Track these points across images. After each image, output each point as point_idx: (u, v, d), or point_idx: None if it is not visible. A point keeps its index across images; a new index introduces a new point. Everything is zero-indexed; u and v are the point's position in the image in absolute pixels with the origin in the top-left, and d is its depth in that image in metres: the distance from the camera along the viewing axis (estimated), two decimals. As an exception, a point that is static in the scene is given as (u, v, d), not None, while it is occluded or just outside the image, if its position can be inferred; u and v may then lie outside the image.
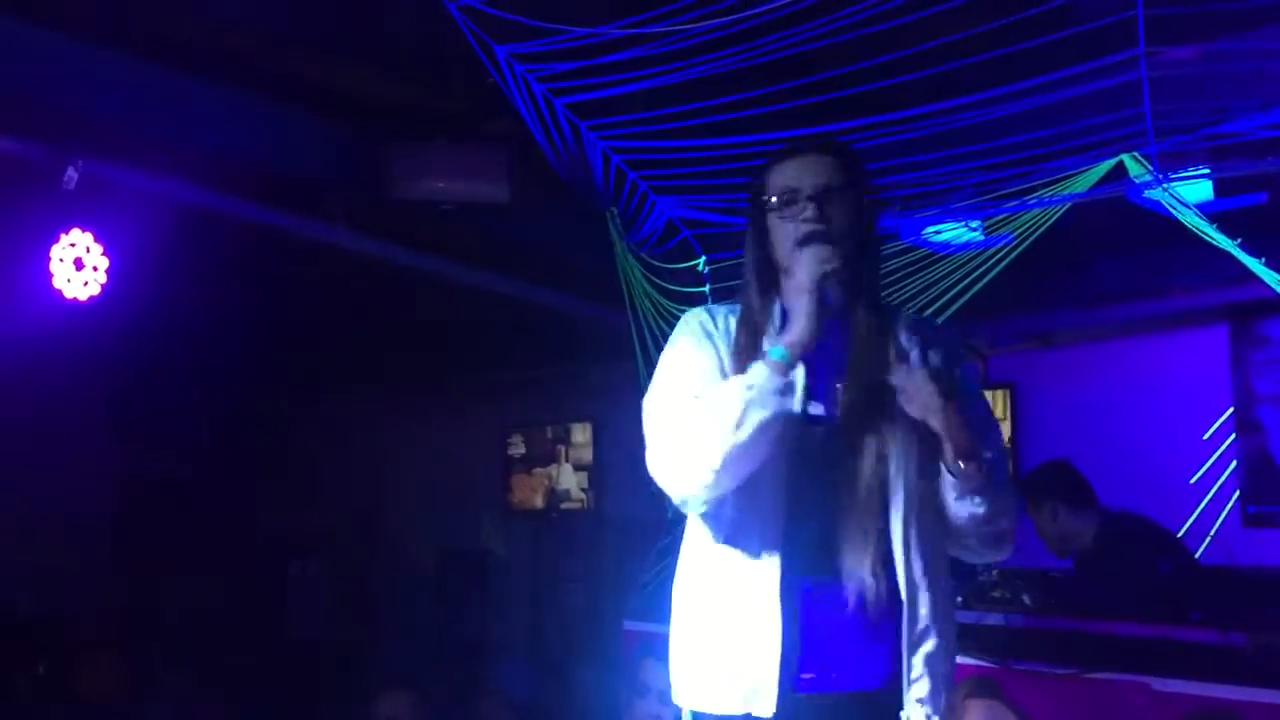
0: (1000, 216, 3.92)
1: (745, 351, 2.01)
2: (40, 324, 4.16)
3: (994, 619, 4.02)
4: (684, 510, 2.07)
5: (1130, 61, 2.78)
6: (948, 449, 1.94)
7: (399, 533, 7.88)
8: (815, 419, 1.97)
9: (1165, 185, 3.59)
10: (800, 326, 1.93)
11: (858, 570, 1.93)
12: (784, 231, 2.03)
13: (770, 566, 1.94)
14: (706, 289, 4.07)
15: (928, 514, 2.00)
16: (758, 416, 1.88)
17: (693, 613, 2.05)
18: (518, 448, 7.60)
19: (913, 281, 4.04)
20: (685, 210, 4.04)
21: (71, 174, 3.80)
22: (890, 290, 3.98)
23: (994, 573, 4.21)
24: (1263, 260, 3.68)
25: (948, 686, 2.02)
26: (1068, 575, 4.35)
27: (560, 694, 6.40)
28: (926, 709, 1.96)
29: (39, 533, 6.43)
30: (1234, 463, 4.99)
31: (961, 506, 1.98)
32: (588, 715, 5.38)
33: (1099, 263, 5.06)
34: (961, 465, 1.93)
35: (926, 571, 1.98)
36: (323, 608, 7.74)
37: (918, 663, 1.96)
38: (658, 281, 4.19)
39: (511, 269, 5.27)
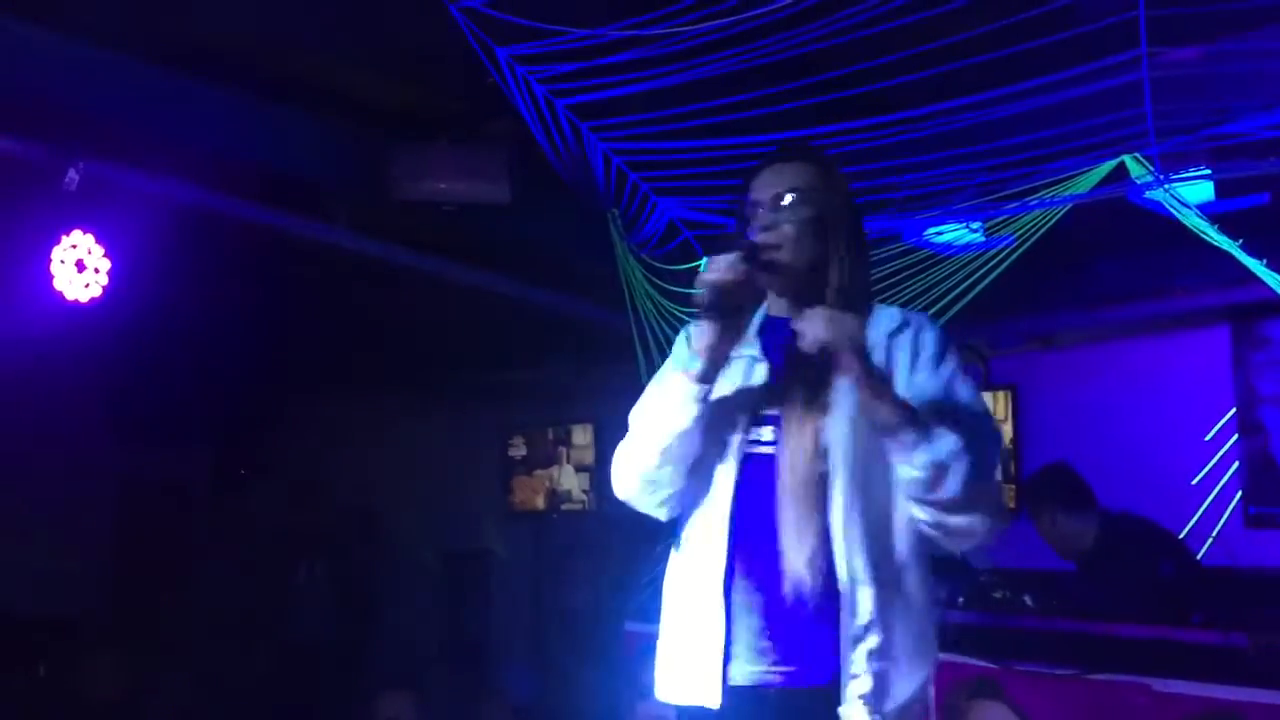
0: (1001, 217, 3.92)
1: (719, 360, 2.06)
2: (41, 325, 4.16)
3: (995, 620, 4.02)
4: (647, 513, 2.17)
5: (1132, 62, 2.78)
6: (862, 395, 1.92)
7: (400, 534, 7.87)
8: (768, 418, 2.03)
9: (1166, 186, 3.59)
10: (698, 334, 2.00)
11: (793, 565, 1.93)
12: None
13: (717, 564, 1.99)
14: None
15: (875, 507, 1.96)
16: (666, 423, 2.01)
17: (663, 611, 2.12)
18: (519, 449, 7.60)
19: (914, 283, 4.04)
20: (686, 211, 4.04)
21: (72, 175, 3.80)
22: (892, 291, 3.98)
23: (991, 571, 4.22)
24: (1264, 261, 3.68)
25: (899, 685, 1.95)
26: (1069, 576, 4.35)
27: (561, 695, 6.39)
28: (868, 707, 1.92)
29: (39, 534, 6.43)
30: (1236, 464, 4.99)
31: (903, 474, 1.92)
32: (589, 716, 5.37)
33: (1100, 264, 5.06)
34: (877, 407, 1.89)
35: (872, 566, 1.95)
36: (323, 608, 7.73)
37: (857, 659, 1.93)
38: (659, 283, 4.19)
39: (512, 270, 5.27)
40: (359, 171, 4.44)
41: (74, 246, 3.98)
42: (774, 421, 2.02)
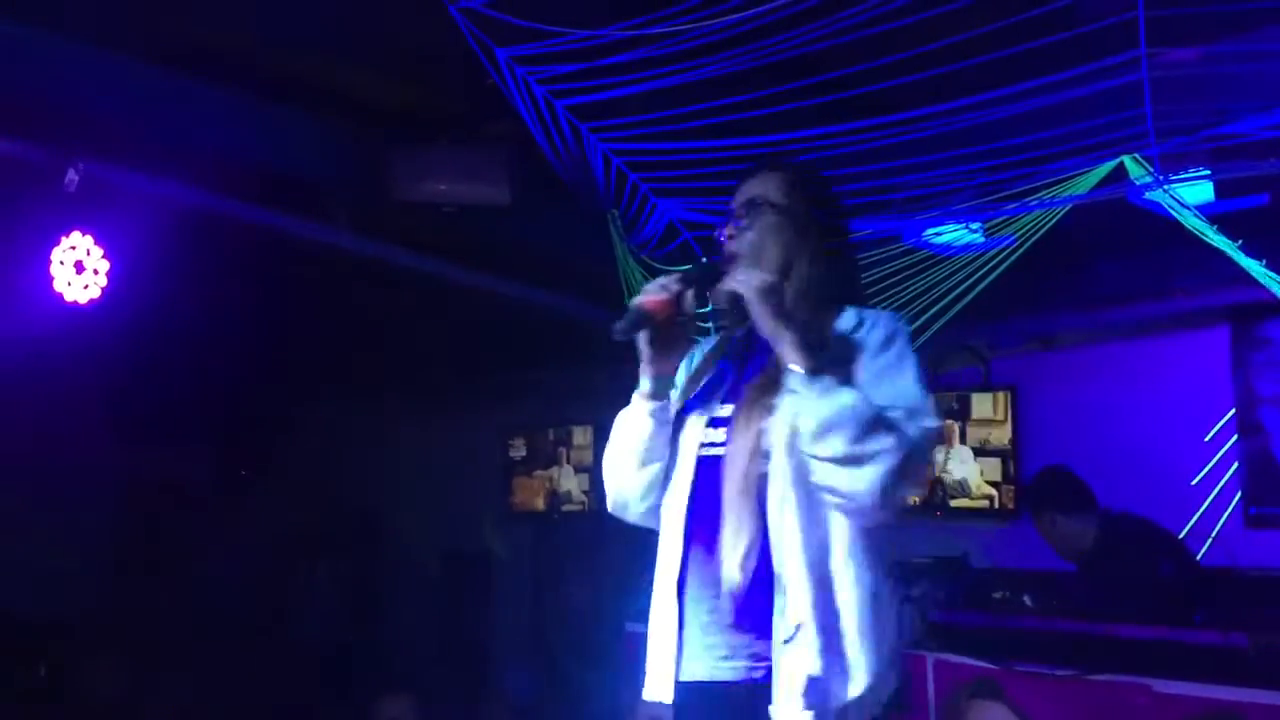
0: (1001, 218, 3.91)
1: (699, 374, 2.20)
2: (41, 327, 4.16)
3: (995, 620, 4.02)
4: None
5: (1131, 62, 2.78)
6: (772, 343, 1.98)
7: (400, 535, 7.87)
8: (721, 421, 2.10)
9: (1166, 187, 3.58)
10: (640, 354, 2.10)
11: (728, 564, 1.99)
12: None
13: (674, 564, 2.08)
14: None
15: (814, 508, 1.98)
16: (626, 440, 2.18)
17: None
18: (519, 450, 7.60)
19: (914, 283, 4.04)
20: (686, 212, 4.04)
21: (72, 176, 3.80)
22: (892, 292, 3.98)
23: (990, 570, 4.22)
24: (1263, 262, 3.67)
25: (834, 686, 1.94)
26: (1069, 577, 4.35)
27: (562, 696, 6.39)
28: (799, 705, 1.93)
29: (40, 535, 6.43)
30: (1235, 464, 4.99)
31: (800, 425, 1.93)
32: (589, 717, 5.37)
33: (1100, 264, 5.06)
34: (784, 352, 1.95)
35: (807, 566, 1.96)
36: (324, 610, 7.74)
37: (785, 660, 1.94)
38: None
39: (512, 271, 5.27)
40: (359, 172, 4.44)
41: (73, 248, 3.98)
42: (727, 423, 2.08)
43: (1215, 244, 3.68)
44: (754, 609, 1.97)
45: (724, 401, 2.12)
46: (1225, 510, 4.96)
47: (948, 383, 5.80)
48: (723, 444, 2.06)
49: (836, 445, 1.88)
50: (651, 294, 2.05)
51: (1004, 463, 5.55)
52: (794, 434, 1.95)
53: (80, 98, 3.78)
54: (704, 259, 2.18)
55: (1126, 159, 3.45)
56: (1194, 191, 3.82)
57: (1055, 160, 3.44)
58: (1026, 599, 4.03)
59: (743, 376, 2.13)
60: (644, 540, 2.28)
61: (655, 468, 2.16)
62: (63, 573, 6.46)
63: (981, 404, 5.66)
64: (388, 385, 7.56)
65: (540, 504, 7.44)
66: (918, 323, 4.10)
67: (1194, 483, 5.02)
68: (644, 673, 2.12)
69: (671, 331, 2.10)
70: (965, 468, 5.66)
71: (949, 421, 5.71)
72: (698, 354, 2.24)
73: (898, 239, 4.14)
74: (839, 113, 3.14)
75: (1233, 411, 5.02)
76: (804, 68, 2.99)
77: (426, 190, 4.38)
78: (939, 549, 5.01)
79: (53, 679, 6.15)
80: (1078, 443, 4.98)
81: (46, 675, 6.18)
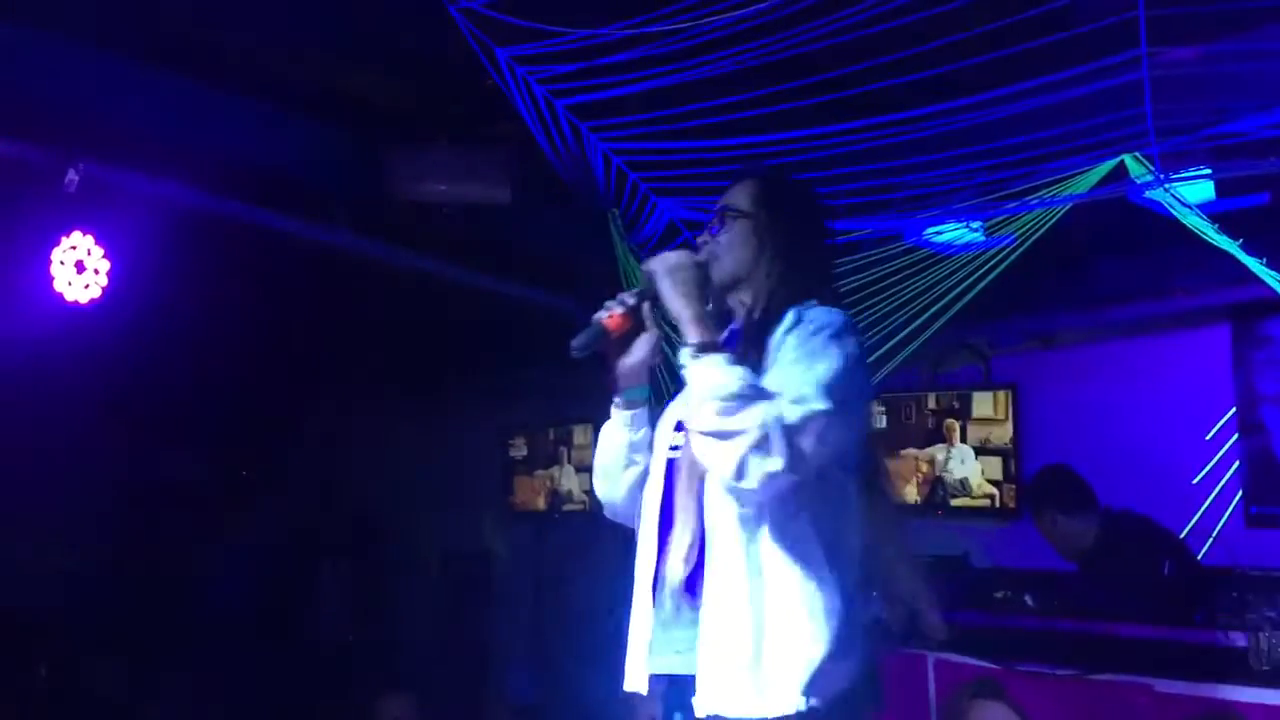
0: (1001, 217, 3.91)
1: (629, 385, 2.33)
2: (41, 326, 4.15)
3: (996, 620, 4.02)
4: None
5: (1132, 62, 2.78)
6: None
7: (401, 535, 7.87)
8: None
9: (1166, 185, 3.58)
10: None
11: (673, 561, 2.08)
12: None
13: (647, 562, 2.17)
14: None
15: (773, 514, 2.01)
16: (604, 448, 2.33)
17: None
18: (519, 449, 7.60)
19: (914, 282, 4.04)
20: (686, 211, 4.04)
21: (72, 176, 3.80)
22: (892, 291, 3.98)
23: (992, 570, 4.22)
24: (1263, 261, 3.67)
25: (764, 684, 1.97)
26: (1070, 576, 4.35)
27: (563, 695, 6.39)
28: (720, 698, 1.99)
29: (41, 535, 6.43)
30: (1236, 463, 4.98)
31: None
32: (590, 716, 5.37)
33: (1100, 263, 5.05)
34: (680, 325, 2.06)
35: (741, 564, 2.01)
36: (324, 609, 7.74)
37: (707, 652, 2.02)
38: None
39: (513, 270, 5.26)
40: (359, 172, 4.43)
41: (74, 248, 3.98)
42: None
43: (1216, 243, 3.67)
44: (693, 604, 2.06)
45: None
46: (1226, 509, 4.96)
47: (948, 381, 5.80)
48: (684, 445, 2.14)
49: (706, 418, 1.93)
50: (608, 311, 2.18)
51: (1005, 462, 5.55)
52: None
53: (80, 98, 3.78)
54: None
55: (1127, 158, 3.44)
56: (1194, 190, 3.81)
57: (1055, 159, 3.43)
58: (1027, 599, 4.03)
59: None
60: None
61: (635, 470, 2.30)
62: (63, 573, 6.46)
63: (982, 403, 5.66)
64: (388, 385, 7.56)
65: (541, 503, 7.44)
66: (918, 321, 4.10)
67: (1195, 482, 5.02)
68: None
69: (631, 344, 2.23)
70: (966, 467, 5.66)
71: (950, 420, 5.71)
72: None
73: (898, 238, 4.14)
74: (839, 112, 3.14)
75: (1233, 410, 5.01)
76: (804, 67, 2.99)
77: (426, 190, 4.38)
78: (940, 548, 5.01)
79: (53, 679, 6.15)
80: (1078, 442, 4.98)
81: (47, 675, 6.18)
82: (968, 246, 4.16)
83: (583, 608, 6.86)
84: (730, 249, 2.21)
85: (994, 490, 5.56)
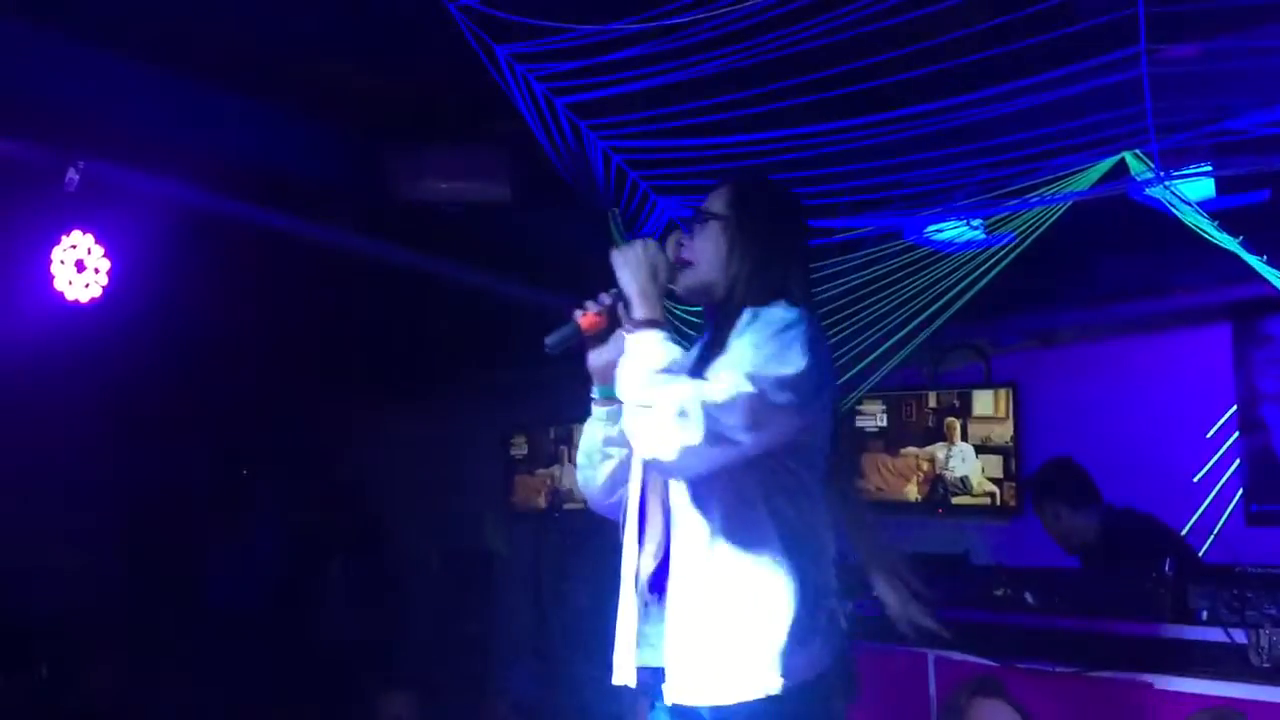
0: (1002, 215, 3.91)
1: (604, 382, 2.42)
2: (41, 325, 4.15)
3: (997, 617, 4.02)
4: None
5: (1131, 58, 2.77)
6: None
7: (401, 533, 7.87)
8: None
9: (1167, 183, 3.58)
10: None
11: (644, 557, 2.19)
12: None
13: (629, 558, 2.25)
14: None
15: (715, 504, 2.08)
16: (584, 443, 2.44)
17: None
18: (520, 448, 7.60)
19: (915, 280, 4.04)
20: (686, 210, 4.03)
21: (72, 175, 3.79)
22: (892, 289, 3.98)
23: (996, 569, 4.21)
24: (1264, 258, 3.67)
25: (720, 676, 2.04)
26: (1070, 574, 4.35)
27: (563, 693, 6.39)
28: (685, 689, 2.07)
29: (41, 534, 6.43)
30: (1237, 461, 4.98)
31: None
32: (591, 714, 5.37)
33: (1101, 261, 5.05)
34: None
35: (701, 560, 2.09)
36: (325, 608, 7.74)
37: (671, 643, 2.11)
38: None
39: (513, 269, 5.26)
40: (359, 171, 4.43)
41: (74, 247, 3.98)
42: None
43: (1216, 240, 3.67)
44: (659, 599, 2.16)
45: None
46: (1227, 507, 4.96)
47: (949, 380, 5.80)
48: None
49: (632, 388, 2.04)
50: (583, 310, 2.26)
51: (1005, 460, 5.55)
52: None
53: (80, 97, 3.78)
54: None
55: (1128, 155, 3.44)
56: (1195, 187, 3.81)
57: (1056, 156, 3.43)
58: (1028, 596, 4.02)
59: None
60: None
61: (611, 464, 2.38)
62: (63, 572, 6.47)
63: (983, 401, 5.66)
64: (388, 384, 7.55)
65: (542, 502, 7.44)
66: (919, 319, 4.10)
67: (1195, 480, 5.02)
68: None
69: (606, 342, 2.30)
70: (966, 465, 5.66)
71: (950, 418, 5.71)
72: None
73: (899, 235, 4.14)
74: (840, 109, 3.14)
75: (1234, 408, 5.02)
76: (805, 64, 2.99)
77: (427, 189, 4.38)
78: (940, 546, 5.01)
79: (53, 679, 6.15)
80: (1079, 440, 4.98)
81: (48, 676, 6.18)
82: (968, 244, 4.16)
83: (583, 606, 6.87)
84: (703, 251, 2.28)
85: (994, 488, 5.56)
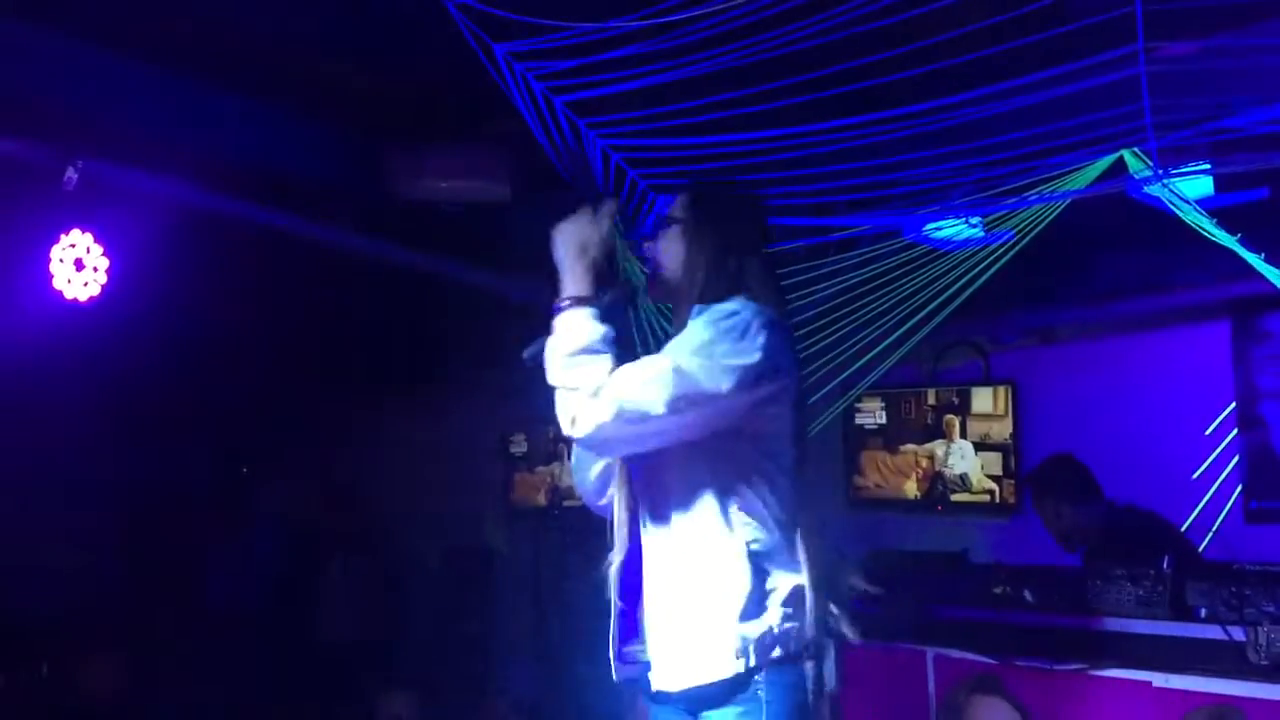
0: (1000, 213, 3.91)
1: None
2: (40, 325, 4.16)
3: (996, 615, 4.03)
4: None
5: (1129, 56, 2.78)
6: None
7: (401, 531, 7.87)
8: None
9: (1165, 181, 3.58)
10: None
11: (618, 550, 2.28)
12: None
13: (618, 555, 2.33)
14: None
15: (681, 495, 2.14)
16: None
17: None
18: (519, 446, 7.60)
19: (914, 278, 4.04)
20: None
21: (71, 175, 3.79)
22: (891, 287, 3.98)
23: (995, 567, 4.21)
24: (1263, 255, 3.67)
25: (690, 664, 2.10)
26: (1069, 572, 4.35)
27: (564, 691, 6.39)
28: (660, 676, 2.15)
29: (41, 534, 6.43)
30: (1236, 458, 4.99)
31: None
32: (591, 713, 5.38)
33: (1100, 259, 5.05)
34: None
35: (670, 549, 2.16)
36: (324, 607, 7.73)
37: (648, 633, 2.18)
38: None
39: (513, 268, 5.26)
40: (359, 171, 4.43)
41: (73, 246, 3.98)
42: None
43: (1215, 238, 3.67)
44: (636, 591, 2.23)
45: None
46: (1225, 505, 4.96)
47: (948, 377, 5.81)
48: None
49: (555, 362, 2.12)
50: None
51: (1004, 457, 5.55)
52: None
53: (80, 97, 3.78)
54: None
55: (1126, 153, 3.44)
56: (1194, 185, 3.81)
57: (1054, 154, 3.43)
58: (1027, 594, 4.03)
59: None
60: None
61: (600, 465, 2.47)
62: (63, 572, 6.46)
63: (981, 398, 5.66)
64: (388, 382, 7.55)
65: (541, 500, 7.44)
66: (917, 317, 4.11)
67: (1194, 477, 5.02)
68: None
69: None
70: (965, 462, 5.66)
71: (949, 416, 5.71)
72: None
73: (897, 234, 4.14)
74: (838, 108, 3.14)
75: (1233, 405, 5.02)
76: (803, 63, 2.99)
77: (426, 188, 4.38)
78: (939, 544, 5.01)
79: (53, 678, 6.15)
80: (1078, 437, 4.98)
81: (49, 676, 6.18)
82: (967, 242, 4.16)
83: (583, 604, 6.87)
84: (667, 254, 2.39)
85: (993, 486, 5.56)
